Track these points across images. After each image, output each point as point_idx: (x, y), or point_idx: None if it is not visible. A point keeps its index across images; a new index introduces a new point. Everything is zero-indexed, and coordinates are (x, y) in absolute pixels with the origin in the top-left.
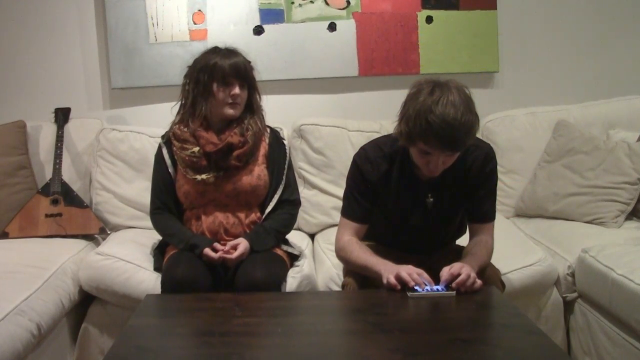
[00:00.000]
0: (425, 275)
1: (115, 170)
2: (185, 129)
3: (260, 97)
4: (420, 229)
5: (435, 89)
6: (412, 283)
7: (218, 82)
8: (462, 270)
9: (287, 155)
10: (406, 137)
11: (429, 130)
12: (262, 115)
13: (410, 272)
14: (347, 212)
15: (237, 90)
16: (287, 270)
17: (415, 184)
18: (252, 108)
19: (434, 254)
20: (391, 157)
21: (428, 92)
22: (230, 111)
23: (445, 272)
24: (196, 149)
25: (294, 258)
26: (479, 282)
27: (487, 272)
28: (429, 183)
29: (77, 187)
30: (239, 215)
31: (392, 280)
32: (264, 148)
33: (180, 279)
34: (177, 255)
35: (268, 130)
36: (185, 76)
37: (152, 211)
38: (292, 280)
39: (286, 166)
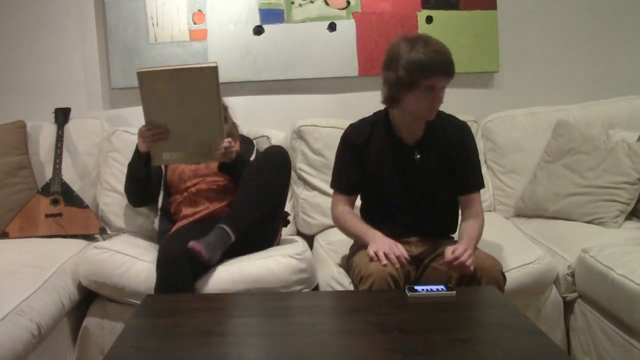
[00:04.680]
0: (402, 259)
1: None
2: None
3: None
4: (407, 192)
5: (413, 39)
6: (384, 261)
7: None
8: (466, 253)
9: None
10: (408, 82)
11: (431, 63)
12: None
13: (388, 252)
14: (336, 184)
15: None
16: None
17: (400, 145)
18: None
19: (433, 241)
20: (373, 124)
21: (409, 41)
22: None
23: (449, 254)
24: None
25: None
26: (472, 266)
27: (488, 264)
28: (413, 145)
29: (77, 187)
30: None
31: (371, 253)
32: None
33: (176, 254)
34: (177, 234)
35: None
36: None
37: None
38: (293, 278)
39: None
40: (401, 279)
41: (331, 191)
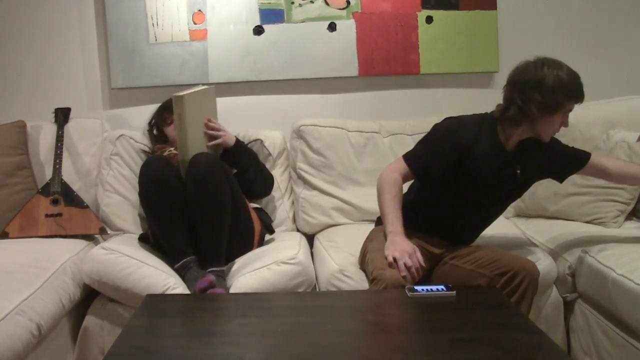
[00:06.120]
0: (419, 271)
1: (127, 177)
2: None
3: None
4: (495, 202)
5: (551, 63)
6: (404, 273)
7: None
8: None
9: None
10: (554, 105)
11: (577, 87)
12: None
13: (408, 262)
14: (411, 159)
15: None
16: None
17: (503, 154)
18: None
19: (452, 244)
20: (480, 125)
21: (551, 66)
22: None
23: None
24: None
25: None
26: None
27: (530, 266)
28: (513, 154)
29: (77, 187)
30: None
31: (390, 259)
32: None
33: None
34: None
35: None
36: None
37: None
38: (291, 284)
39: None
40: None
41: (331, 190)
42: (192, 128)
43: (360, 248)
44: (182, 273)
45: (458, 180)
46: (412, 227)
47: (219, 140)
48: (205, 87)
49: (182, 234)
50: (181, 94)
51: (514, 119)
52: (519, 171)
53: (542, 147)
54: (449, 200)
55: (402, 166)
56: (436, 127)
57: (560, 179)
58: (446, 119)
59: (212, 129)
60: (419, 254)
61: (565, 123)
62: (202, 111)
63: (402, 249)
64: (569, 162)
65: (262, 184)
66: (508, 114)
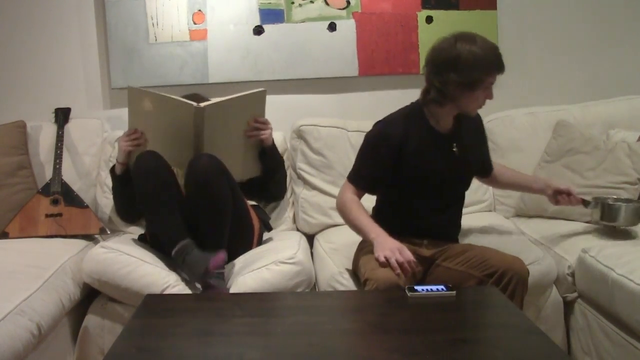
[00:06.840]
0: (412, 264)
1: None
2: None
3: None
4: (449, 185)
5: (465, 37)
6: (398, 270)
7: None
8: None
9: None
10: (472, 82)
11: (494, 60)
12: None
13: (400, 259)
14: (354, 178)
15: None
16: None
17: (438, 138)
18: None
19: (442, 244)
20: (406, 117)
21: (464, 40)
22: None
23: (573, 190)
24: None
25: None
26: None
27: (518, 264)
28: (448, 136)
29: (77, 187)
30: None
31: (382, 259)
32: None
33: (146, 166)
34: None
35: None
36: None
37: None
38: (291, 284)
39: None
40: (405, 285)
41: (331, 190)
42: (212, 137)
43: (352, 258)
44: (181, 258)
45: (407, 178)
46: (392, 233)
47: (262, 137)
48: (249, 92)
49: (178, 220)
50: (201, 104)
51: (436, 101)
52: (455, 149)
53: (473, 128)
54: (409, 200)
55: (349, 187)
56: (367, 136)
57: (485, 172)
58: (374, 124)
59: (254, 129)
60: (406, 249)
61: (489, 96)
62: (235, 118)
63: (390, 247)
64: (484, 162)
65: (283, 188)
66: (429, 97)
